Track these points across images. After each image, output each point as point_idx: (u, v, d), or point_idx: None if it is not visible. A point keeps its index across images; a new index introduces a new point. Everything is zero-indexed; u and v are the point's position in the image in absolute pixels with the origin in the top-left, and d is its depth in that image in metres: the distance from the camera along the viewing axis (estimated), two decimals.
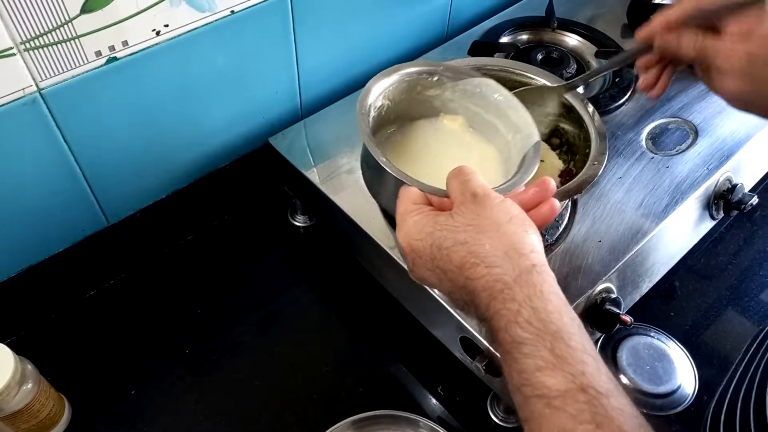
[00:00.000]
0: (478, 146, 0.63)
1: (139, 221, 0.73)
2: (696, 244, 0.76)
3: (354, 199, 0.68)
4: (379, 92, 0.57)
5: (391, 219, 0.66)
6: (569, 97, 0.66)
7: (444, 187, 0.44)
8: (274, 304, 0.74)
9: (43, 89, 0.55)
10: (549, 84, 0.65)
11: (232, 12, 0.64)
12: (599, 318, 0.61)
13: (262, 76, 0.74)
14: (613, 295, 0.61)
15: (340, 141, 0.75)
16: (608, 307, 0.60)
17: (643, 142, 0.75)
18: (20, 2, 0.49)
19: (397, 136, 0.64)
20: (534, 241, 0.39)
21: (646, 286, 0.69)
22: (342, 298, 0.76)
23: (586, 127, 0.64)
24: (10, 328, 0.68)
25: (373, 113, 0.57)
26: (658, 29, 0.51)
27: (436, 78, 0.60)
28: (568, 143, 0.69)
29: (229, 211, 0.83)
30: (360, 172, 0.71)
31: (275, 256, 0.81)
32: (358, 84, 0.84)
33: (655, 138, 0.75)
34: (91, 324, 0.71)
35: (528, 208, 0.42)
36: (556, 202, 0.43)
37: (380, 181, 0.54)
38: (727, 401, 0.51)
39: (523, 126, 0.57)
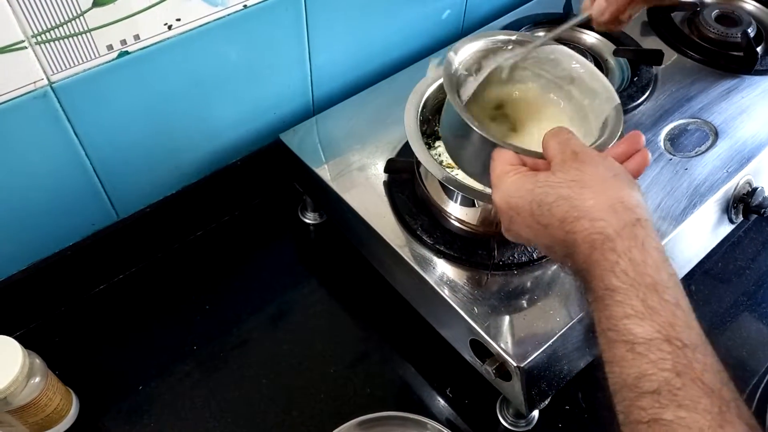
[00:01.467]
0: (550, 112, 0.60)
1: (149, 216, 0.72)
2: (714, 248, 0.75)
3: (364, 197, 0.67)
4: (459, 62, 0.55)
5: (419, 211, 0.66)
6: None
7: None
8: (282, 302, 0.74)
9: (54, 83, 0.55)
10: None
11: (245, 6, 0.64)
12: None
13: (274, 71, 0.73)
14: None
15: (352, 138, 0.74)
16: None
17: (662, 143, 0.73)
18: None
19: (471, 106, 0.60)
20: (639, 196, 0.39)
21: None
22: (352, 296, 0.75)
23: None
24: (19, 321, 0.68)
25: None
26: None
27: (510, 47, 0.58)
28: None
29: (240, 207, 0.82)
30: (371, 170, 0.70)
31: (285, 253, 0.80)
32: (371, 81, 0.83)
33: (673, 139, 0.73)
34: (99, 318, 0.71)
35: (620, 161, 0.43)
36: (648, 152, 0.44)
37: (469, 149, 0.53)
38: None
39: (601, 91, 0.55)
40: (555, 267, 0.62)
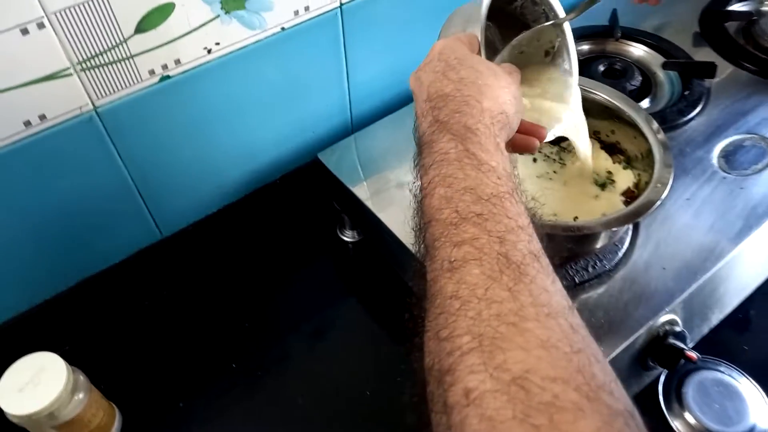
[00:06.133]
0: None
1: (192, 234, 0.74)
2: None
3: (400, 216, 0.67)
4: None
5: None
6: (631, 112, 0.63)
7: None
8: (321, 321, 0.73)
9: (98, 107, 0.57)
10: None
11: (283, 29, 0.65)
12: (661, 352, 0.57)
13: (312, 91, 0.73)
14: (678, 329, 0.57)
15: (390, 155, 0.74)
16: (672, 341, 0.56)
17: (715, 161, 0.69)
18: (76, 24, 0.51)
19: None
20: (510, 110, 0.45)
21: (716, 318, 0.64)
22: (391, 315, 0.74)
23: (650, 146, 0.60)
24: (64, 337, 0.70)
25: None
26: None
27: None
28: (629, 161, 0.65)
29: (279, 225, 0.83)
30: (408, 187, 0.70)
31: (323, 271, 0.80)
32: (409, 97, 0.82)
33: (728, 156, 0.70)
34: (142, 335, 0.73)
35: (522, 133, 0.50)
36: (536, 142, 0.50)
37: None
38: None
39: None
40: (600, 291, 0.60)
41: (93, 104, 0.56)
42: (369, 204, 0.68)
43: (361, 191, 0.70)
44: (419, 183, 0.41)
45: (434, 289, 0.34)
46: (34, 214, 0.60)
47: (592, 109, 0.66)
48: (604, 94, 0.65)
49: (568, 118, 0.54)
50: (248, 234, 0.81)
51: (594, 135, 0.68)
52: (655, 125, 0.61)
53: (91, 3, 0.51)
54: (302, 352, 0.71)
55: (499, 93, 0.44)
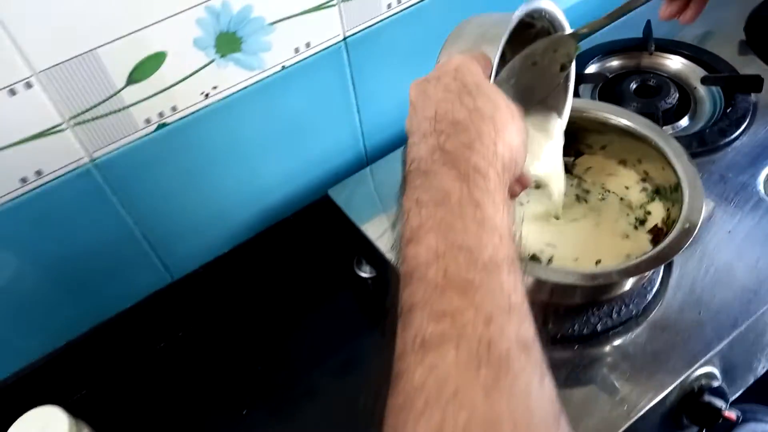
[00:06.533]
0: None
1: (203, 276, 0.73)
2: None
3: None
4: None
5: None
6: (659, 140, 0.57)
7: None
8: (341, 363, 0.70)
9: (96, 159, 0.56)
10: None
11: (283, 67, 0.63)
12: (697, 410, 0.51)
13: (320, 127, 0.71)
14: (716, 384, 0.51)
15: None
16: (708, 398, 0.50)
17: (761, 187, 0.62)
18: (66, 80, 0.50)
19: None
20: (521, 158, 0.42)
21: (762, 367, 0.57)
22: None
23: (679, 179, 0.54)
24: (76, 385, 0.70)
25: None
26: None
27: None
28: (658, 192, 0.59)
29: (295, 262, 0.80)
30: None
31: (341, 310, 0.77)
32: None
33: None
34: (157, 380, 0.72)
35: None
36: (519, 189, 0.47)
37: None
38: None
39: None
40: (626, 340, 0.54)
41: (90, 156, 0.56)
42: (378, 244, 0.65)
43: (372, 229, 0.67)
44: (406, 218, 0.37)
45: (400, 367, 0.31)
46: (40, 267, 0.60)
47: (615, 136, 0.61)
48: (628, 120, 0.59)
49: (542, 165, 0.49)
50: (263, 273, 0.79)
51: (620, 163, 0.63)
52: (685, 154, 0.55)
53: (79, 59, 0.50)
54: (315, 399, 0.68)
55: (513, 137, 0.40)
